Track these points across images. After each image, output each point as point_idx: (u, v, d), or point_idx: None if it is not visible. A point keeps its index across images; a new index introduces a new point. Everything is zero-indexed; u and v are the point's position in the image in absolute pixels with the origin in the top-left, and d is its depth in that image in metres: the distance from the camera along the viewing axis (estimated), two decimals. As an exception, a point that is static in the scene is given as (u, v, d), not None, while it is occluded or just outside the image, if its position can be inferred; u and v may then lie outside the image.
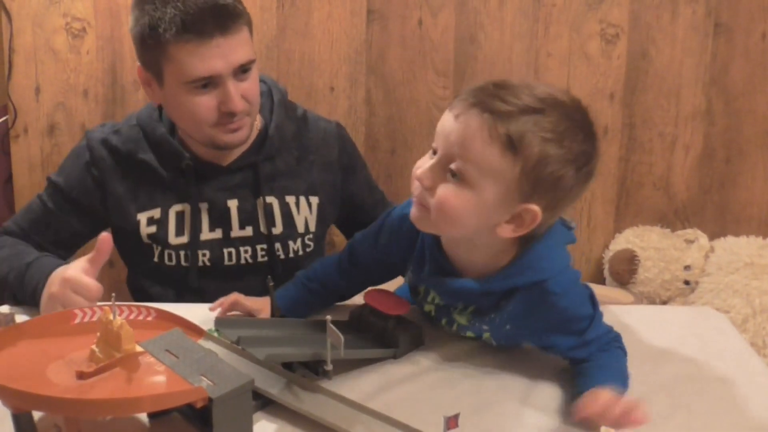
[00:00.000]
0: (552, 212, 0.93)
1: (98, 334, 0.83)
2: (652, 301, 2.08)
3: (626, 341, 1.12)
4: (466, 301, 1.02)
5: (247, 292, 1.16)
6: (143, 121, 1.34)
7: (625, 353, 1.03)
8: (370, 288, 1.14)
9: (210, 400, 0.76)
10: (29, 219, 1.35)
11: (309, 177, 1.39)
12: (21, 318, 1.08)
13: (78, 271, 1.09)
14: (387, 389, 0.97)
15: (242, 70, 1.24)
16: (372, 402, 0.93)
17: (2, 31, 1.96)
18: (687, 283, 2.06)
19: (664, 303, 2.08)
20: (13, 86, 1.99)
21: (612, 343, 1.03)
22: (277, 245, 1.36)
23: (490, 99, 0.88)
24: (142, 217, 1.33)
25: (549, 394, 0.97)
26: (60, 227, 1.35)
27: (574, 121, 0.90)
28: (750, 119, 2.09)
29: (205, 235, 1.34)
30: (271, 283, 1.07)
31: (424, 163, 0.93)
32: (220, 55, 1.20)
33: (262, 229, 1.35)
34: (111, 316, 0.82)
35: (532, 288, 0.96)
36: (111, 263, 2.13)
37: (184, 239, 1.33)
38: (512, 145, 0.87)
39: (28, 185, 2.06)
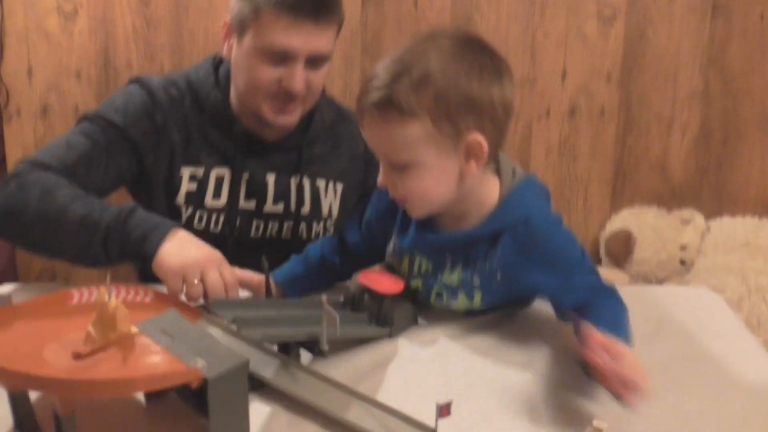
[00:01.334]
0: (491, 128, 0.96)
1: (94, 315, 0.83)
2: (647, 281, 2.09)
3: (622, 321, 1.12)
4: (454, 255, 1.04)
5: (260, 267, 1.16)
6: (198, 83, 1.35)
7: (623, 306, 0.99)
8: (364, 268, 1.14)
9: (205, 380, 0.76)
10: (75, 156, 1.23)
11: (338, 165, 1.43)
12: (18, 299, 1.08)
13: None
14: (382, 369, 0.98)
15: (315, 61, 1.27)
16: (366, 382, 0.94)
17: (-6, 12, 1.95)
18: (683, 263, 2.07)
19: (660, 283, 2.09)
20: (5, 68, 1.98)
21: (606, 292, 1.01)
22: (303, 225, 1.41)
23: (365, 96, 0.95)
24: (186, 172, 1.33)
25: (544, 374, 0.97)
26: (109, 167, 1.28)
27: (441, 50, 0.94)
28: (747, 100, 2.08)
29: (240, 204, 1.36)
30: (266, 263, 1.07)
31: (380, 174, 1.00)
32: (303, 37, 1.23)
33: (292, 207, 1.39)
34: (106, 298, 0.82)
35: (517, 227, 1.00)
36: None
37: (219, 203, 1.35)
38: (403, 110, 0.92)
39: (23, 168, 2.05)
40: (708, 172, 2.14)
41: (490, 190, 1.03)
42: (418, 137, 0.94)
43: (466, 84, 0.93)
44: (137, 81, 1.36)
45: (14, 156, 2.04)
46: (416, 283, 1.09)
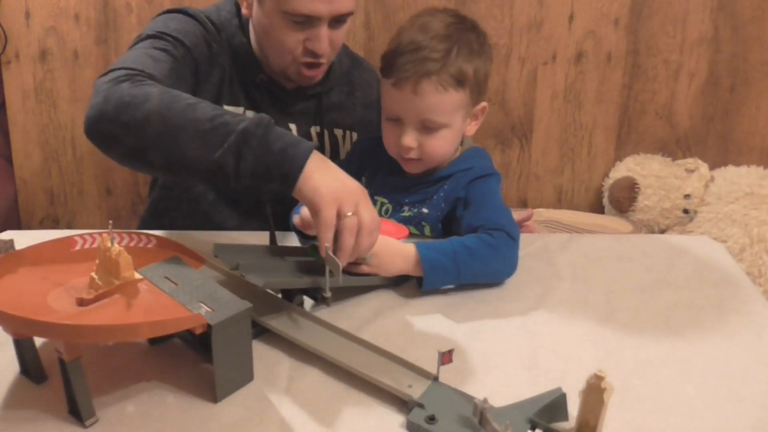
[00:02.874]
0: (486, 97, 1.21)
1: (97, 261, 0.83)
2: (650, 230, 2.09)
3: (624, 269, 1.13)
4: (411, 196, 1.19)
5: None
6: (221, 24, 1.31)
7: (495, 247, 1.06)
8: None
9: (209, 326, 0.76)
10: (167, 68, 1.14)
11: (354, 113, 1.43)
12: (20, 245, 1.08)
13: None
14: (385, 316, 0.98)
15: (339, 20, 1.24)
16: (369, 329, 0.94)
17: (-11, -48, 1.90)
18: (686, 212, 2.06)
19: (662, 231, 2.09)
20: (3, 11, 1.94)
21: (501, 238, 1.08)
22: None
23: (423, 62, 1.09)
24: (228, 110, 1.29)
25: (546, 320, 0.98)
26: (187, 84, 1.20)
27: (466, 29, 1.14)
28: (757, 47, 2.05)
29: None
30: (270, 210, 1.07)
31: (401, 134, 1.14)
32: (326, 1, 1.19)
33: None
34: (109, 244, 0.82)
35: (465, 172, 1.18)
36: (109, 191, 2.13)
37: None
38: (459, 82, 1.11)
39: (22, 112, 2.03)
40: (714, 120, 2.12)
41: (454, 154, 1.23)
42: (459, 103, 1.13)
43: (486, 62, 1.15)
44: (180, 11, 1.29)
45: (14, 100, 2.02)
46: None
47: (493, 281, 1.08)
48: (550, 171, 2.18)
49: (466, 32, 1.14)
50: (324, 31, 1.23)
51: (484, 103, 1.19)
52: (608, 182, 2.14)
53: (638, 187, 2.06)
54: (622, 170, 2.12)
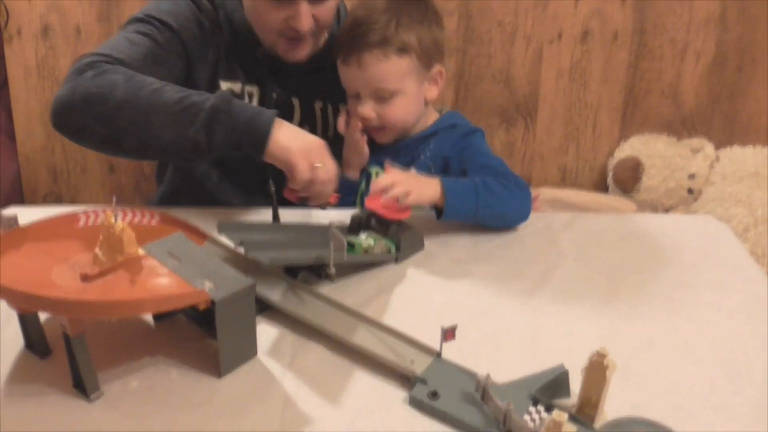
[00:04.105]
0: (443, 61, 1.27)
1: (101, 237, 0.83)
2: (654, 210, 2.09)
3: (627, 249, 1.13)
4: (401, 159, 1.23)
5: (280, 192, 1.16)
6: (221, 1, 1.29)
7: (511, 189, 1.15)
8: (371, 193, 1.14)
9: (213, 302, 0.76)
10: (141, 53, 1.15)
11: None
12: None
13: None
14: (388, 293, 0.99)
15: None
16: (372, 305, 0.95)
17: (-10, -74, 1.89)
18: (690, 191, 2.06)
19: (666, 211, 2.09)
20: (5, -14, 1.93)
21: (507, 178, 1.16)
22: (330, 149, 1.37)
23: (364, 36, 1.18)
24: (224, 86, 1.29)
25: (548, 299, 0.98)
26: (170, 68, 1.20)
27: (408, 0, 1.22)
28: (765, 26, 2.03)
29: None
30: (273, 188, 1.07)
31: (359, 107, 1.23)
32: None
33: (318, 132, 1.37)
34: (113, 220, 0.82)
35: (450, 129, 1.27)
36: (112, 168, 2.13)
37: None
38: (401, 49, 1.19)
39: (24, 89, 2.03)
40: (720, 100, 2.11)
41: (430, 116, 1.32)
42: (406, 70, 1.21)
43: (430, 28, 1.22)
44: None
45: (16, 77, 2.01)
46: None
47: (506, 224, 1.17)
48: (555, 150, 2.17)
49: (406, 3, 1.22)
50: (304, 7, 1.20)
51: (439, 67, 1.25)
52: (612, 162, 2.13)
53: (643, 167, 2.05)
54: (626, 150, 2.11)
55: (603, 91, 2.10)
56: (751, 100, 2.10)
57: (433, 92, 1.27)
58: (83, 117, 1.03)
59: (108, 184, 2.14)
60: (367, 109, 1.23)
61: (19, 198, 2.11)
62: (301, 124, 1.34)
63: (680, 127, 2.13)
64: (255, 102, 1.32)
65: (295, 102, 1.35)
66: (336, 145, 1.39)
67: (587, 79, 2.09)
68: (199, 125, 1.02)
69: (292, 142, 1.05)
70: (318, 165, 1.05)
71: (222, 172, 1.36)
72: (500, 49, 2.05)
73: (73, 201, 2.15)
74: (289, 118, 1.34)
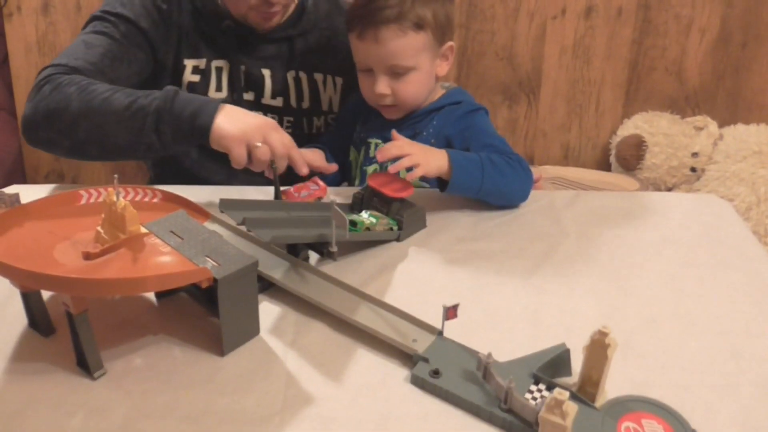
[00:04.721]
0: (453, 37, 1.27)
1: (103, 215, 0.83)
2: (657, 188, 2.08)
3: (630, 227, 1.13)
4: (404, 130, 1.21)
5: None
6: None
7: (515, 168, 1.15)
8: (373, 172, 1.14)
9: (215, 280, 0.76)
10: (98, 54, 1.21)
11: (337, 57, 1.40)
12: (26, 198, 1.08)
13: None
14: (390, 271, 0.99)
15: None
16: (375, 283, 0.95)
17: None
18: (693, 170, 2.05)
19: (669, 190, 2.08)
20: (3, -40, 1.91)
21: (510, 156, 1.16)
22: (303, 119, 1.40)
23: (381, 11, 1.17)
24: (189, 64, 1.32)
25: (550, 278, 0.98)
26: (131, 62, 1.25)
27: None
28: (771, 1, 2.01)
29: (240, 95, 1.35)
30: (275, 165, 1.07)
31: (374, 83, 1.22)
32: None
33: (292, 102, 1.38)
34: (115, 198, 0.82)
35: (455, 106, 1.27)
36: (114, 146, 2.12)
37: (221, 95, 1.34)
38: (417, 25, 1.18)
39: (25, 66, 2.02)
40: (725, 77, 2.09)
41: (437, 92, 1.31)
42: (422, 45, 1.20)
43: (444, 3, 1.22)
44: None
45: (17, 54, 2.00)
46: (374, 166, 1.28)
47: (507, 202, 1.17)
48: (558, 128, 2.16)
49: None
50: None
51: (450, 43, 1.25)
52: (615, 140, 2.12)
53: (646, 145, 2.04)
54: (629, 128, 2.10)
55: (606, 67, 2.09)
56: (755, 77, 2.09)
57: (443, 68, 1.26)
58: (48, 132, 1.12)
59: (110, 162, 2.14)
60: (382, 86, 1.22)
61: (21, 176, 2.11)
62: (273, 95, 1.36)
63: (684, 104, 2.12)
64: (225, 76, 1.33)
65: (266, 73, 1.35)
66: (312, 114, 1.40)
67: (591, 55, 2.08)
68: (148, 128, 1.08)
69: (231, 127, 1.07)
70: (258, 144, 1.07)
71: (201, 149, 1.36)
72: (503, 25, 2.03)
73: (75, 179, 2.14)
74: (260, 89, 1.35)
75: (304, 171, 1.14)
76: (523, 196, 1.17)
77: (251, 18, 1.28)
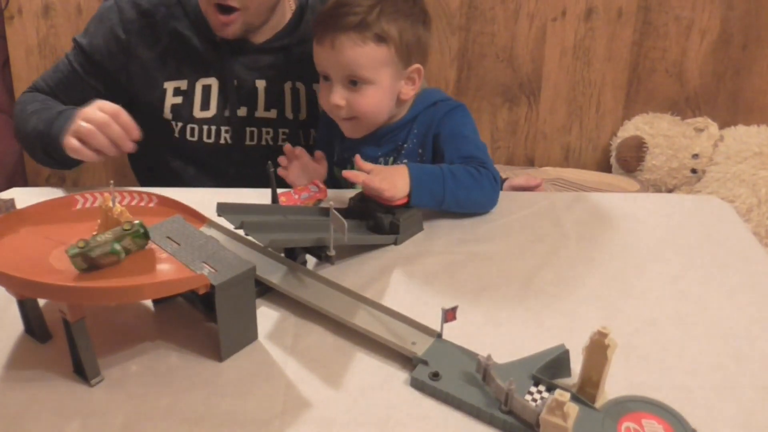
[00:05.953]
0: (424, 62, 1.22)
1: (98, 221, 0.83)
2: (657, 189, 2.08)
3: (630, 229, 1.12)
4: (384, 147, 1.22)
5: (265, 176, 1.16)
6: None
7: (477, 179, 1.12)
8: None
9: (213, 286, 0.76)
10: (57, 78, 1.35)
11: None
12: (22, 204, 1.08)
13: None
14: (388, 274, 0.98)
15: None
16: (373, 287, 0.94)
17: None
18: (694, 171, 2.05)
19: (670, 191, 2.08)
20: (3, -35, 1.92)
21: (479, 166, 1.13)
22: (300, 131, 1.38)
23: (343, 18, 1.13)
24: (169, 87, 1.32)
25: (550, 279, 0.98)
26: (85, 89, 1.33)
27: None
28: (770, 3, 2.00)
29: (231, 112, 1.34)
30: (272, 169, 1.07)
31: (330, 93, 1.17)
32: None
33: (287, 113, 1.36)
34: (111, 203, 0.82)
35: (432, 108, 1.23)
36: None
37: (208, 113, 1.33)
38: (379, 37, 1.14)
39: (26, 69, 2.02)
40: (725, 79, 2.09)
41: (408, 103, 1.25)
42: (382, 59, 1.15)
43: (414, 25, 1.17)
44: (106, 2, 1.34)
45: (18, 56, 2.00)
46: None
47: (474, 211, 1.14)
48: (558, 129, 2.16)
49: None
50: None
51: (417, 66, 1.19)
52: (616, 141, 2.12)
53: (646, 147, 2.04)
54: (630, 129, 2.09)
55: (607, 69, 2.08)
56: (755, 79, 2.08)
57: (408, 91, 1.20)
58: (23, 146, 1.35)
59: (111, 165, 2.14)
60: (337, 96, 1.16)
61: (23, 179, 2.11)
62: (267, 107, 1.35)
63: (684, 105, 2.12)
64: (215, 92, 1.32)
65: (260, 85, 1.34)
66: (310, 126, 1.39)
67: (591, 57, 2.07)
68: (43, 149, 1.23)
69: (68, 128, 1.15)
70: (82, 124, 1.12)
71: (197, 166, 1.38)
72: (504, 27, 2.03)
73: (76, 182, 2.14)
74: (252, 102, 1.34)
75: (134, 134, 1.14)
76: (489, 206, 1.15)
77: (212, 21, 1.27)
